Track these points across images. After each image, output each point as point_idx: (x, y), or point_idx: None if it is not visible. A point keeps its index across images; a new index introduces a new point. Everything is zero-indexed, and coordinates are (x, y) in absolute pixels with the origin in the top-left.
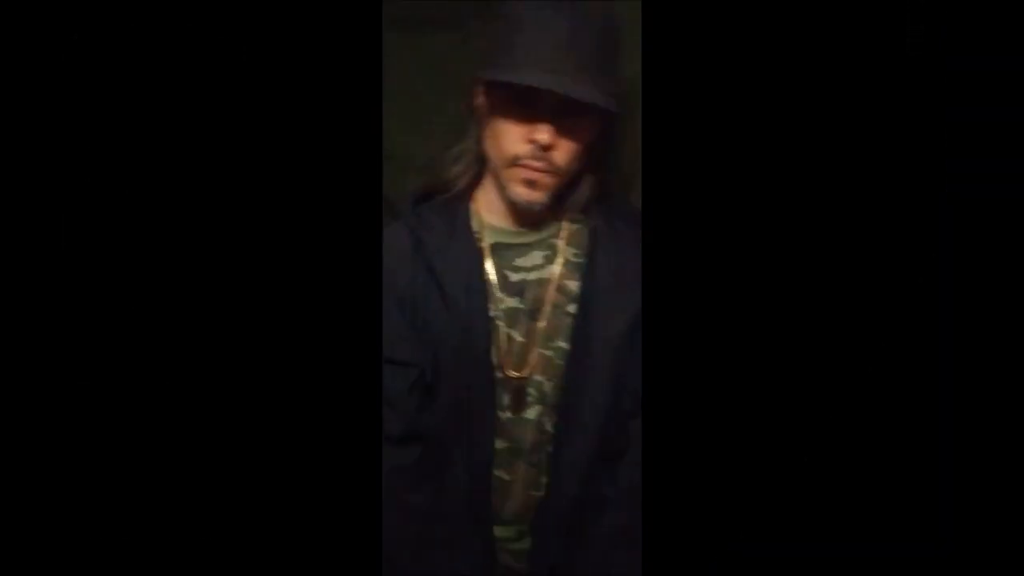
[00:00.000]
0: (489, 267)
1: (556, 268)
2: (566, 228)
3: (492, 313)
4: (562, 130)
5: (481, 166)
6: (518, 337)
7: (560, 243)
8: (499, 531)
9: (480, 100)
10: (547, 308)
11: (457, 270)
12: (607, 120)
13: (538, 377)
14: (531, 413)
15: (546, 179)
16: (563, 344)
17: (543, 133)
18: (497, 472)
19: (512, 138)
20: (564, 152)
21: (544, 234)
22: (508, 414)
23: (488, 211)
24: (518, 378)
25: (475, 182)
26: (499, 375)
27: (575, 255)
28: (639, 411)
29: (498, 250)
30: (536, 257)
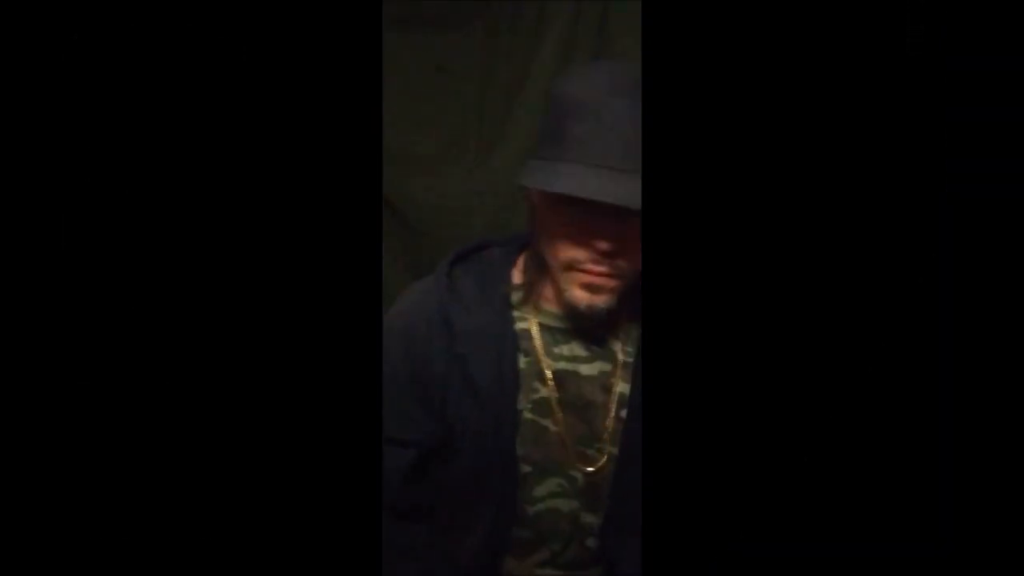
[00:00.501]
0: (528, 350)
1: (605, 365)
2: (624, 324)
3: (521, 405)
4: (627, 234)
5: (539, 266)
6: (554, 428)
7: (608, 336)
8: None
9: (530, 196)
10: (590, 407)
11: (489, 350)
12: None
13: (599, 478)
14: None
15: (610, 283)
16: (612, 449)
17: (603, 242)
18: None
19: (568, 242)
20: (629, 255)
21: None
22: (540, 506)
23: (538, 297)
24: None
25: (526, 247)
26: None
27: (627, 352)
28: None
29: (541, 332)
30: (577, 348)
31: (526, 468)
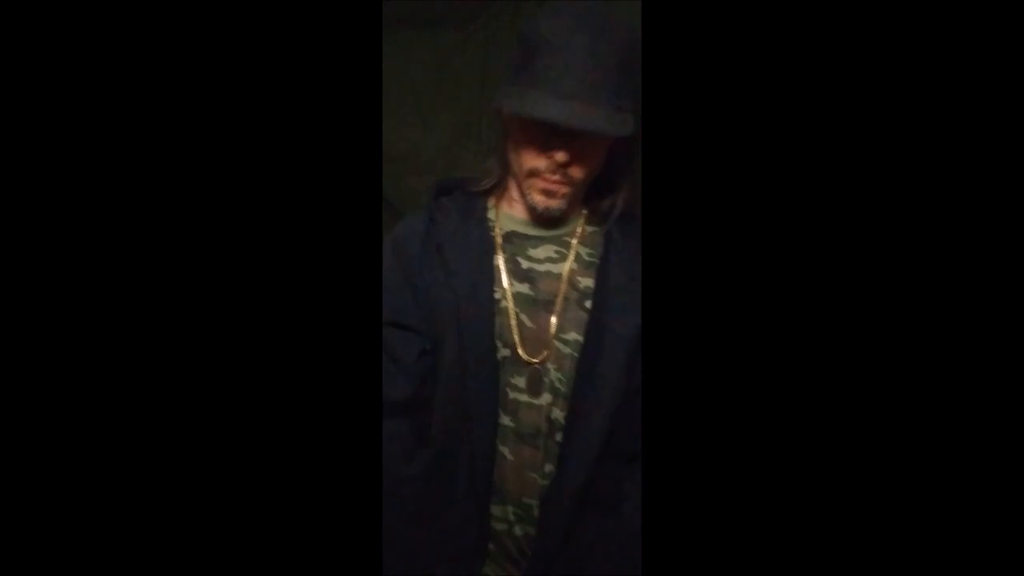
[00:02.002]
0: (500, 253)
1: (568, 264)
2: (581, 229)
3: (498, 295)
4: (579, 149)
5: (505, 171)
6: (528, 323)
7: (574, 242)
8: (496, 510)
9: (501, 115)
10: (559, 300)
11: (467, 253)
12: (628, 140)
13: (551, 366)
14: (542, 399)
15: (563, 189)
16: (577, 337)
17: (560, 153)
18: (501, 448)
19: (531, 154)
20: (581, 168)
21: (559, 232)
22: (519, 396)
23: (508, 206)
24: (533, 363)
25: (499, 184)
26: (512, 355)
27: (589, 254)
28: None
29: (511, 238)
30: (549, 250)
31: (504, 352)
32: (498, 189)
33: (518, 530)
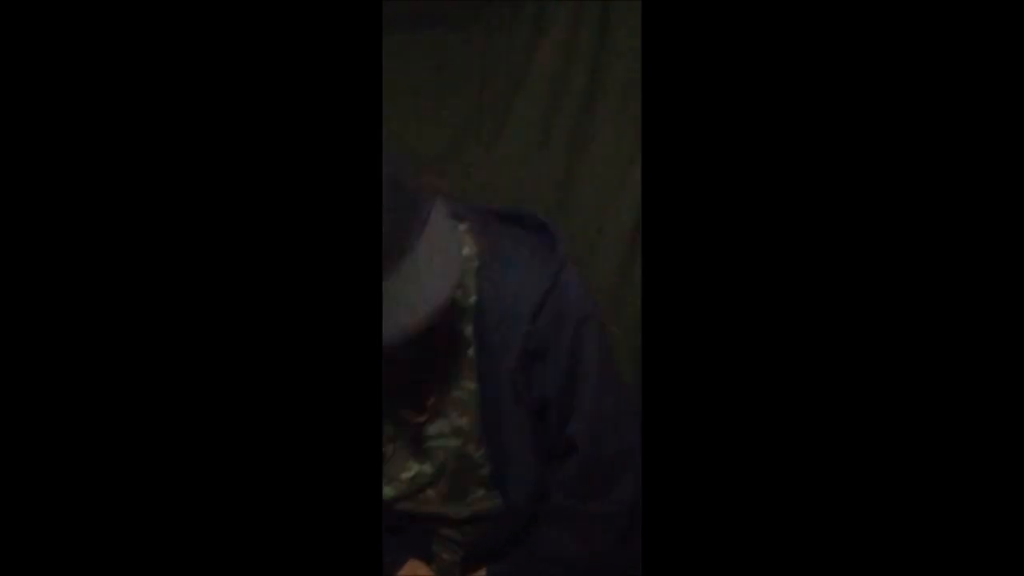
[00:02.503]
0: None
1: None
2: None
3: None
4: None
5: None
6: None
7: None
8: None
9: None
10: (445, 354)
11: None
12: None
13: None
14: (445, 443)
15: None
16: (470, 384)
17: None
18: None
19: None
20: None
21: None
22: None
23: None
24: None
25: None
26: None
27: (462, 299)
28: (568, 416)
29: None
30: None
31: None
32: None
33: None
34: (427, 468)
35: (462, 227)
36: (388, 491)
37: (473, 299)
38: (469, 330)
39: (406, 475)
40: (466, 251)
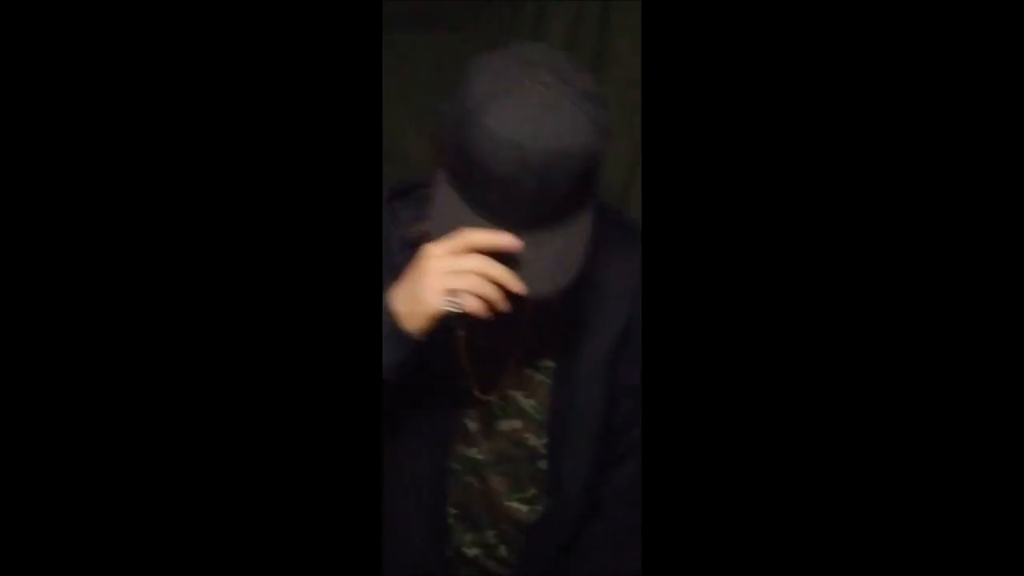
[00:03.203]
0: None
1: (515, 423)
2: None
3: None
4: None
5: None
6: (487, 349)
7: (519, 395)
8: (472, 536)
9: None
10: (522, 325)
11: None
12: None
13: (518, 392)
14: (504, 426)
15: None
16: (549, 363)
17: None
18: (466, 478)
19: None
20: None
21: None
22: (475, 425)
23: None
24: (486, 399)
25: None
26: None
27: (536, 409)
28: (637, 420)
29: None
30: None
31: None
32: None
33: (502, 551)
34: (487, 451)
35: None
36: (453, 465)
37: (540, 413)
38: (535, 441)
39: (470, 452)
40: None
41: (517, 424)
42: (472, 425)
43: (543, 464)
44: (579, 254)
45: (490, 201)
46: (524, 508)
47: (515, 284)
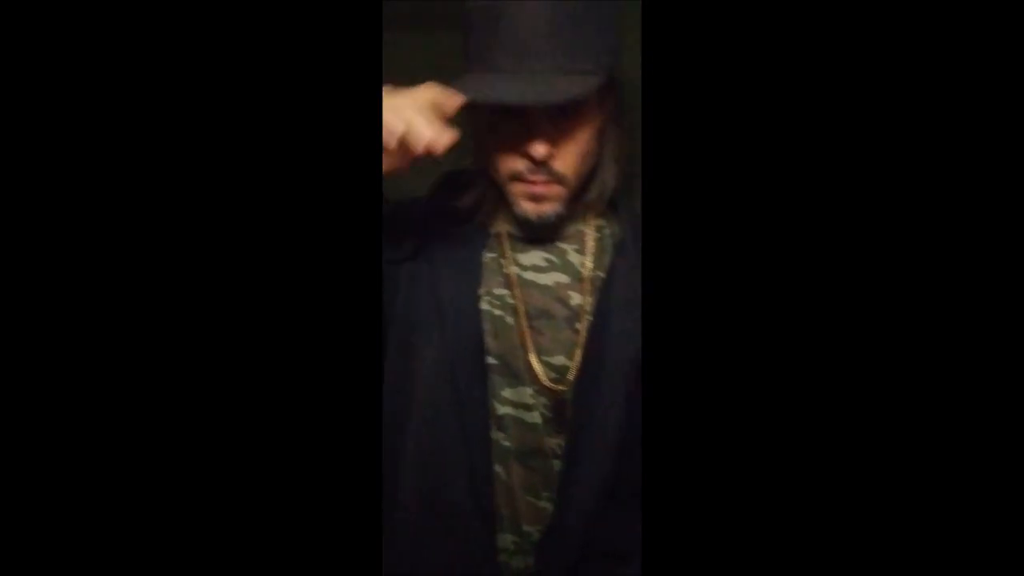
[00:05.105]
0: (488, 252)
1: (556, 276)
2: (584, 233)
3: (485, 301)
4: (560, 135)
5: (487, 181)
6: (511, 335)
7: (570, 249)
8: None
9: (466, 116)
10: (543, 317)
11: (455, 249)
12: (611, 98)
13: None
14: (534, 418)
15: (553, 190)
16: (564, 361)
17: (537, 147)
18: (495, 467)
19: (506, 155)
20: (567, 159)
21: (556, 239)
22: (509, 410)
23: (504, 223)
24: (553, 389)
25: (485, 197)
26: (501, 365)
27: (587, 266)
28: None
29: (502, 239)
30: (536, 258)
31: (491, 360)
32: (486, 202)
33: (517, 562)
34: (504, 440)
35: None
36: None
37: (603, 274)
38: (578, 300)
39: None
40: (608, 227)
41: (564, 279)
42: (501, 410)
43: (558, 465)
44: (572, 93)
45: (477, 50)
46: (545, 507)
47: (424, 135)
